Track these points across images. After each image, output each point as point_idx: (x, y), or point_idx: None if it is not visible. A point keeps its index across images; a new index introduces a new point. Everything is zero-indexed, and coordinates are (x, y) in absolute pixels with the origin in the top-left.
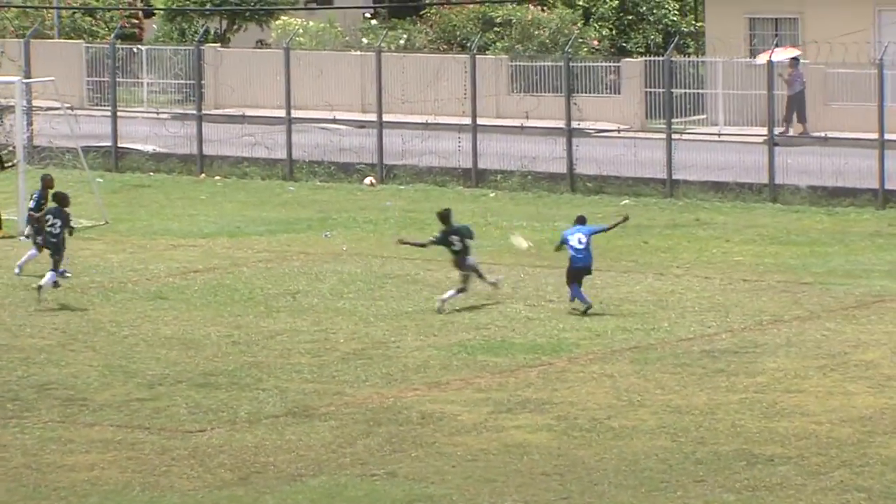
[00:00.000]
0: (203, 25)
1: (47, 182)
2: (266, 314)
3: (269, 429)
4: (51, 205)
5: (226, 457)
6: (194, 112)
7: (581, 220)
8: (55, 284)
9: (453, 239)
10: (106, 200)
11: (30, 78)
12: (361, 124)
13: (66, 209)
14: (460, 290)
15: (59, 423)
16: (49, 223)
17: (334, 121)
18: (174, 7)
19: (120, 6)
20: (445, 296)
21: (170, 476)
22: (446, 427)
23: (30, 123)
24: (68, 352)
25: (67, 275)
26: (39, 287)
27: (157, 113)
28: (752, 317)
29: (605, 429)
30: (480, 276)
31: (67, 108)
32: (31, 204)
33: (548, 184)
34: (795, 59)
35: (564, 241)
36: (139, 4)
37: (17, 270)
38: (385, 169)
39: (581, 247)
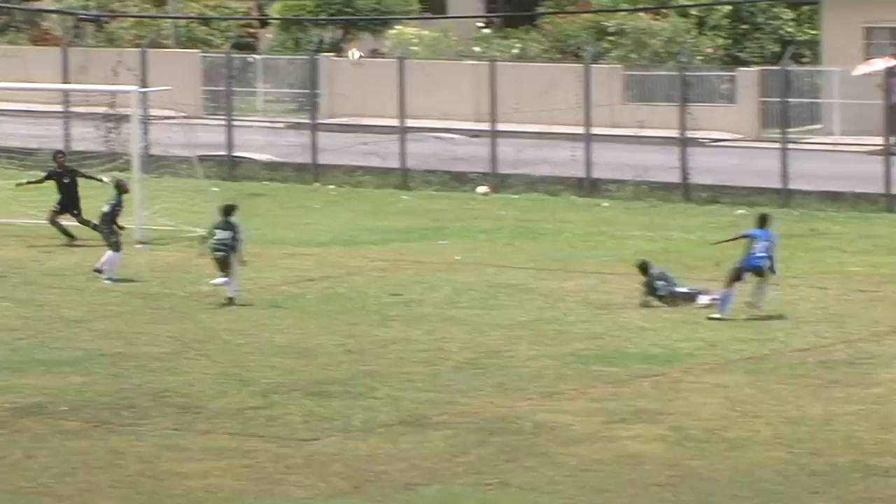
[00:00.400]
0: (318, 35)
1: (123, 187)
2: (380, 323)
3: (383, 438)
4: (218, 218)
5: (339, 465)
6: (309, 121)
7: (763, 220)
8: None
9: (658, 284)
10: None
11: (146, 87)
12: (475, 133)
13: (234, 219)
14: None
15: (174, 431)
16: (217, 236)
17: (448, 130)
18: (290, 17)
19: (236, 16)
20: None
21: (284, 484)
22: (560, 437)
23: (146, 133)
24: (183, 360)
25: (103, 278)
26: (230, 299)
27: (272, 122)
28: (869, 327)
29: (720, 440)
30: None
31: (183, 117)
32: (107, 208)
33: (661, 193)
34: (892, 70)
35: (750, 237)
36: (255, 14)
37: (106, 274)
38: (498, 178)
39: (763, 254)
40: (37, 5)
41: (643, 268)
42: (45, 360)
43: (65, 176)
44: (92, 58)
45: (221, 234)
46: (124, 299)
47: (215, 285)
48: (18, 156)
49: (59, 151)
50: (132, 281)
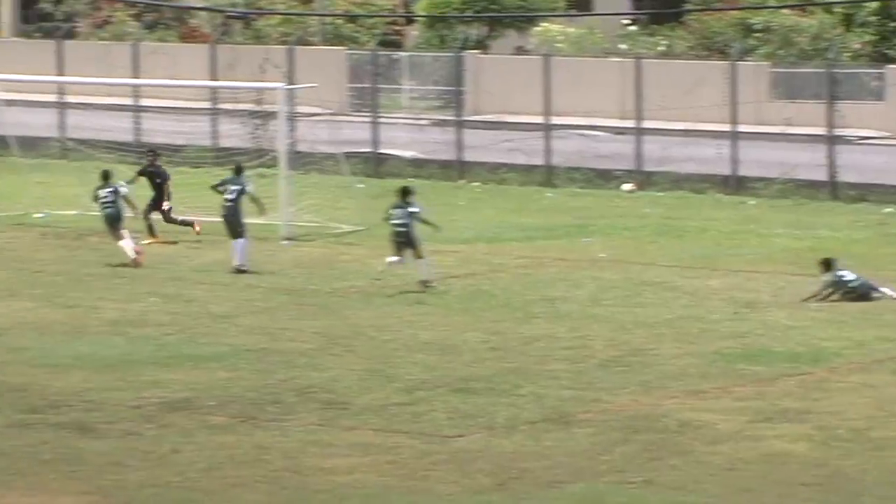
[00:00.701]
0: (463, 32)
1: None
2: (524, 320)
3: (527, 435)
4: (395, 200)
5: (484, 462)
6: (454, 118)
7: None
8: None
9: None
10: (366, 206)
11: (293, 84)
12: (620, 131)
13: (412, 200)
14: None
15: (319, 427)
16: (394, 218)
17: (593, 127)
18: (435, 14)
19: (382, 13)
20: None
21: (428, 480)
22: (704, 435)
23: (292, 129)
24: (329, 356)
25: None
26: (424, 281)
27: (417, 119)
28: None
29: (866, 440)
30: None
31: (329, 113)
32: (231, 197)
33: (808, 191)
34: None
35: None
36: (401, 11)
37: (240, 263)
38: (643, 175)
39: None
40: (186, 2)
41: (827, 264)
42: (193, 356)
43: (157, 175)
44: (239, 55)
45: (398, 216)
46: (270, 295)
47: (389, 264)
48: (165, 152)
49: (151, 150)
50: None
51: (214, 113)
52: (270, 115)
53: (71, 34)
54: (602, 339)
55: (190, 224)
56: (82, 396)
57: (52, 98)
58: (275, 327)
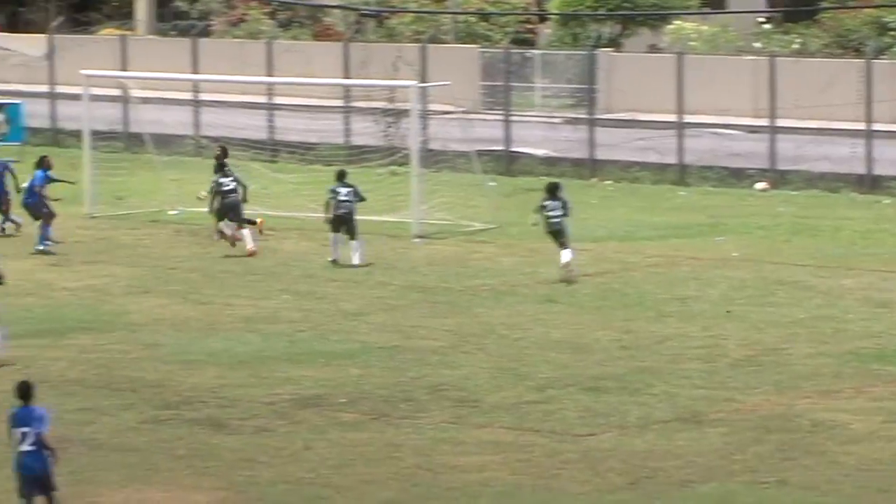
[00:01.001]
0: (596, 30)
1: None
2: (656, 319)
3: (659, 434)
4: (545, 195)
5: (615, 461)
6: (586, 116)
7: None
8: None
9: None
10: (498, 204)
11: (426, 82)
12: (753, 129)
13: (561, 194)
14: None
15: (450, 424)
16: (549, 209)
17: (726, 125)
18: (568, 12)
19: (515, 11)
20: None
21: (560, 479)
22: (838, 436)
23: (425, 127)
24: (460, 353)
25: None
26: (566, 265)
27: (550, 117)
28: None
29: None
30: None
31: (461, 112)
32: (347, 199)
33: None
34: None
35: None
36: (534, 9)
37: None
38: (777, 174)
39: None
40: (319, 1)
41: None
42: (324, 352)
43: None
44: (372, 53)
45: (553, 209)
46: (402, 293)
47: (566, 263)
48: (299, 150)
49: (221, 146)
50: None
51: (347, 111)
52: (403, 113)
53: (206, 32)
54: (735, 338)
55: (252, 222)
56: (216, 393)
57: (186, 96)
58: (406, 325)
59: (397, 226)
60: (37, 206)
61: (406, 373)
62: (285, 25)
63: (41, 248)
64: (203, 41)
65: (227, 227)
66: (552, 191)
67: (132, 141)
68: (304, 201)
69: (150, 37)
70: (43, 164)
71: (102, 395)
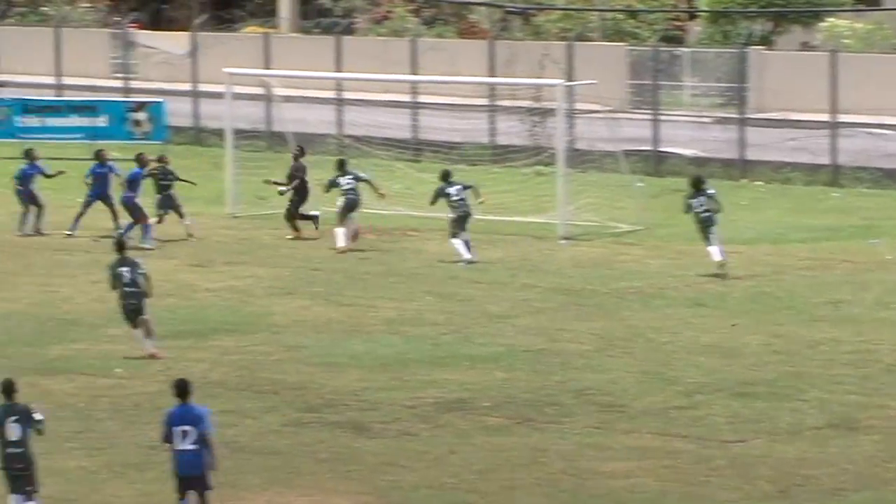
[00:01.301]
0: (747, 27)
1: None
2: (807, 323)
3: (811, 441)
4: (691, 190)
5: (765, 468)
6: (737, 116)
7: None
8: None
9: None
10: (645, 205)
11: (572, 81)
12: None
13: (708, 188)
14: None
15: (596, 430)
16: (696, 205)
17: (881, 125)
18: (719, 9)
19: (664, 8)
20: None
21: (708, 486)
22: None
23: (571, 127)
24: (606, 357)
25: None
26: (721, 264)
27: (699, 116)
28: None
29: None
30: None
31: (608, 111)
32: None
33: None
34: None
35: None
36: (683, 6)
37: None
38: None
39: None
40: None
41: None
42: (469, 355)
43: (300, 170)
44: (518, 51)
45: (700, 205)
46: (547, 295)
47: (721, 262)
48: (443, 149)
49: (299, 146)
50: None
51: (492, 110)
52: (549, 113)
53: (349, 30)
54: (889, 343)
55: (312, 218)
56: (358, 396)
57: (329, 94)
58: (552, 328)
59: (543, 227)
60: (134, 205)
61: (551, 376)
62: (430, 23)
63: (148, 246)
64: (346, 39)
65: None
66: (697, 185)
67: (274, 140)
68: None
69: (294, 34)
70: (140, 161)
71: (245, 397)
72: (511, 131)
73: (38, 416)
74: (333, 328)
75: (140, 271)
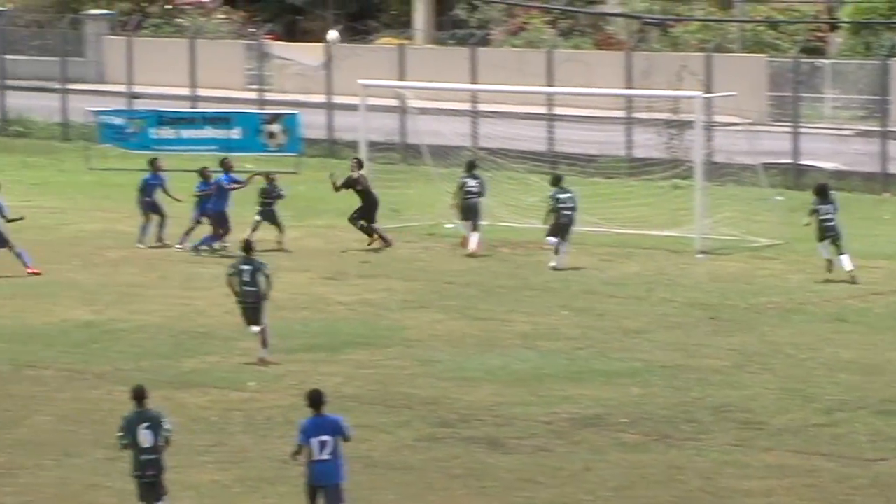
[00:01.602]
0: (890, 39)
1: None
2: None
3: None
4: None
5: None
6: (879, 128)
7: None
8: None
9: None
10: (784, 219)
11: (710, 93)
12: None
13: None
14: None
15: (735, 447)
16: (822, 212)
17: None
18: (860, 20)
19: (804, 19)
20: None
21: None
22: None
23: (709, 139)
24: (745, 374)
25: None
26: (850, 272)
27: (840, 129)
28: None
29: None
30: None
31: (747, 123)
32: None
33: None
34: None
35: None
36: (824, 17)
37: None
38: None
39: None
40: (601, 9)
41: None
42: (604, 371)
43: (358, 183)
44: (655, 62)
45: (826, 213)
46: (685, 310)
47: (850, 269)
48: (579, 162)
49: (357, 159)
50: None
51: (629, 122)
52: (686, 125)
53: (485, 41)
54: None
55: (371, 233)
56: (493, 411)
57: (464, 106)
58: (689, 343)
59: (680, 241)
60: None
61: (689, 393)
62: (566, 34)
63: (203, 247)
64: (482, 50)
65: (465, 228)
66: (822, 192)
67: (409, 152)
68: (583, 215)
69: (429, 46)
70: (224, 165)
71: (378, 411)
72: (648, 144)
73: (167, 425)
74: (467, 342)
75: (265, 272)
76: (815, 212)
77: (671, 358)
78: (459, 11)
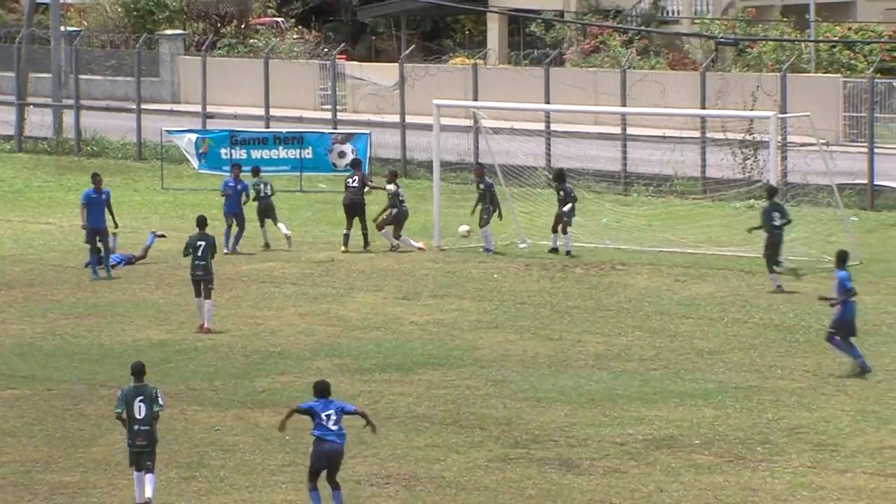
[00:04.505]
0: None
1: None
2: None
3: None
4: None
5: None
6: None
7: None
8: None
9: None
10: (859, 240)
11: (785, 113)
12: None
13: None
14: None
15: (809, 469)
16: None
17: None
18: None
19: (880, 39)
20: None
21: None
22: None
23: (784, 159)
24: (819, 395)
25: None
26: None
27: None
28: None
29: None
30: None
31: (822, 143)
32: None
33: None
34: None
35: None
36: None
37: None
38: None
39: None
40: (676, 29)
41: None
42: (678, 392)
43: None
44: (730, 82)
45: None
46: (759, 331)
47: None
48: (654, 182)
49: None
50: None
51: (703, 142)
52: (761, 145)
53: (559, 61)
54: None
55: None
56: (566, 431)
57: (537, 126)
58: (763, 364)
59: (754, 262)
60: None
61: (763, 414)
62: (641, 54)
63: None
64: (555, 70)
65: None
66: None
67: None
68: (656, 235)
69: (502, 66)
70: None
71: (450, 431)
72: (722, 164)
73: (160, 401)
74: (540, 363)
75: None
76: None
77: (745, 379)
78: (534, 30)
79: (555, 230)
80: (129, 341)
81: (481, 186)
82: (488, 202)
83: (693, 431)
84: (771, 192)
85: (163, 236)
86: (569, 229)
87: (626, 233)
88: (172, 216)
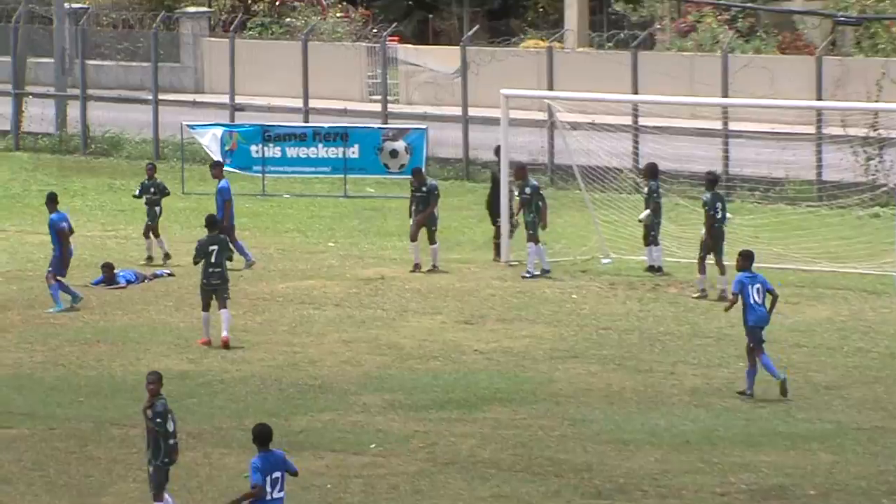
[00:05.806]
0: None
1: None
2: None
3: None
4: None
5: None
6: None
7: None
8: None
9: None
10: None
11: None
12: None
13: None
14: None
15: None
16: None
17: None
18: None
19: None
20: None
21: None
22: None
23: None
24: None
25: None
26: None
27: None
28: None
29: None
30: None
31: None
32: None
33: None
34: None
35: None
36: None
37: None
38: None
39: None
40: (788, 6)
41: None
42: (789, 434)
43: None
44: (851, 69)
45: None
46: (885, 362)
47: None
48: (761, 185)
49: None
50: None
51: (819, 139)
52: (888, 143)
53: (649, 44)
54: None
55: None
56: (657, 480)
57: (623, 120)
58: (890, 402)
59: (879, 280)
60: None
61: (890, 460)
62: (746, 36)
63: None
64: (645, 54)
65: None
66: None
67: (558, 174)
68: (764, 248)
69: (582, 50)
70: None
71: (521, 479)
72: (842, 165)
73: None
74: (627, 398)
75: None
76: None
77: (869, 419)
78: (619, 8)
79: (647, 242)
80: (144, 372)
81: (527, 190)
82: (533, 210)
83: (807, 480)
84: None
85: (171, 275)
86: (659, 240)
87: (728, 245)
88: (195, 225)
